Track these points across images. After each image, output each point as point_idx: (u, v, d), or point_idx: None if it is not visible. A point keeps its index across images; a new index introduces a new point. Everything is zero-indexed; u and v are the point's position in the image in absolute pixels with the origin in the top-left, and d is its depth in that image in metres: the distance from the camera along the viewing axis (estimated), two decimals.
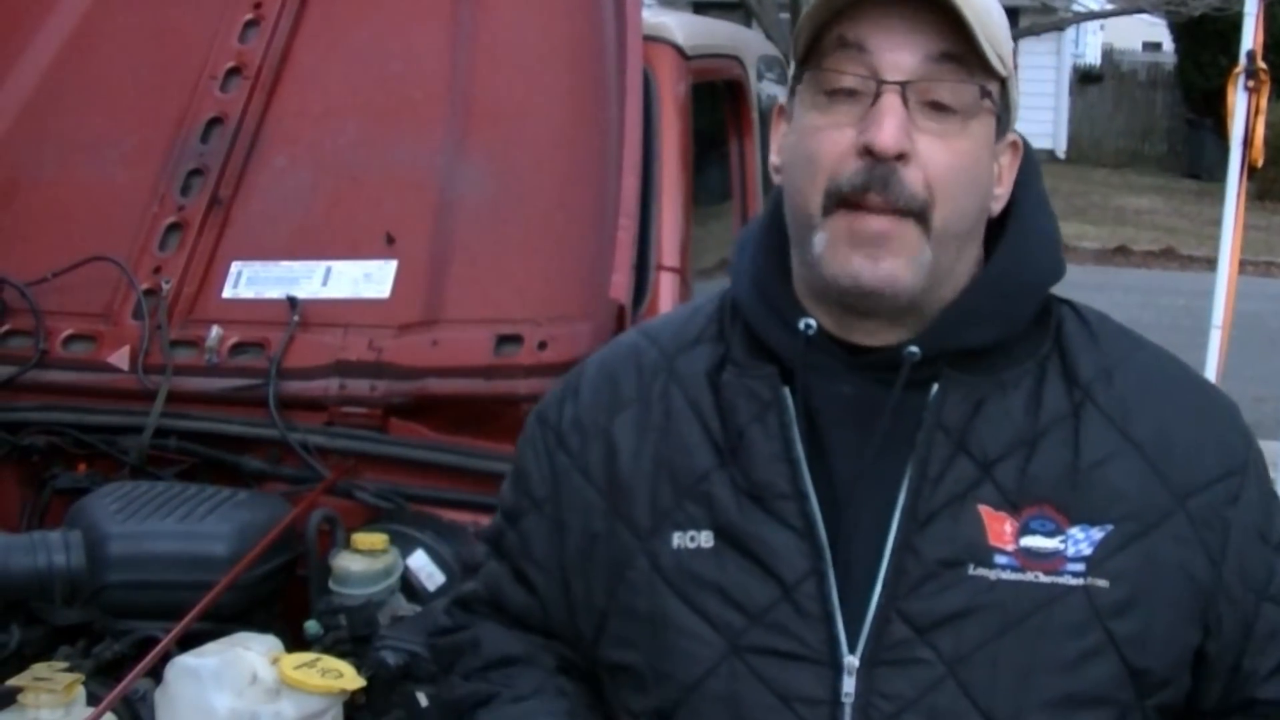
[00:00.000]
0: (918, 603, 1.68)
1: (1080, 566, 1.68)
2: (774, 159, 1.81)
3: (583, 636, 1.87)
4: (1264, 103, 7.18)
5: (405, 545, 3.03)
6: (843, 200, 1.67)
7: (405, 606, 2.93)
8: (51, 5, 3.98)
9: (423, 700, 2.66)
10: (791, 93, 1.77)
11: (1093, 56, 34.32)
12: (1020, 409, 1.73)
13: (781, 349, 1.78)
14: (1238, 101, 7.16)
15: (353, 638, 2.82)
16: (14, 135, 3.86)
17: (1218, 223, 7.58)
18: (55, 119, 3.87)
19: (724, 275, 4.46)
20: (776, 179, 1.81)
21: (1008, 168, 1.81)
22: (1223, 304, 7.13)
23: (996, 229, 1.81)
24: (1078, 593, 1.67)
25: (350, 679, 2.58)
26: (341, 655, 2.71)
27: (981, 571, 1.68)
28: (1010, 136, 1.80)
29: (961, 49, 1.67)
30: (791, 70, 1.78)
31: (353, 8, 3.85)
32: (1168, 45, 31.47)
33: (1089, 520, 1.70)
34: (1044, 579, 1.68)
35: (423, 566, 3.03)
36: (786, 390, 1.76)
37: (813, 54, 1.71)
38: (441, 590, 3.00)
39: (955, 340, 1.74)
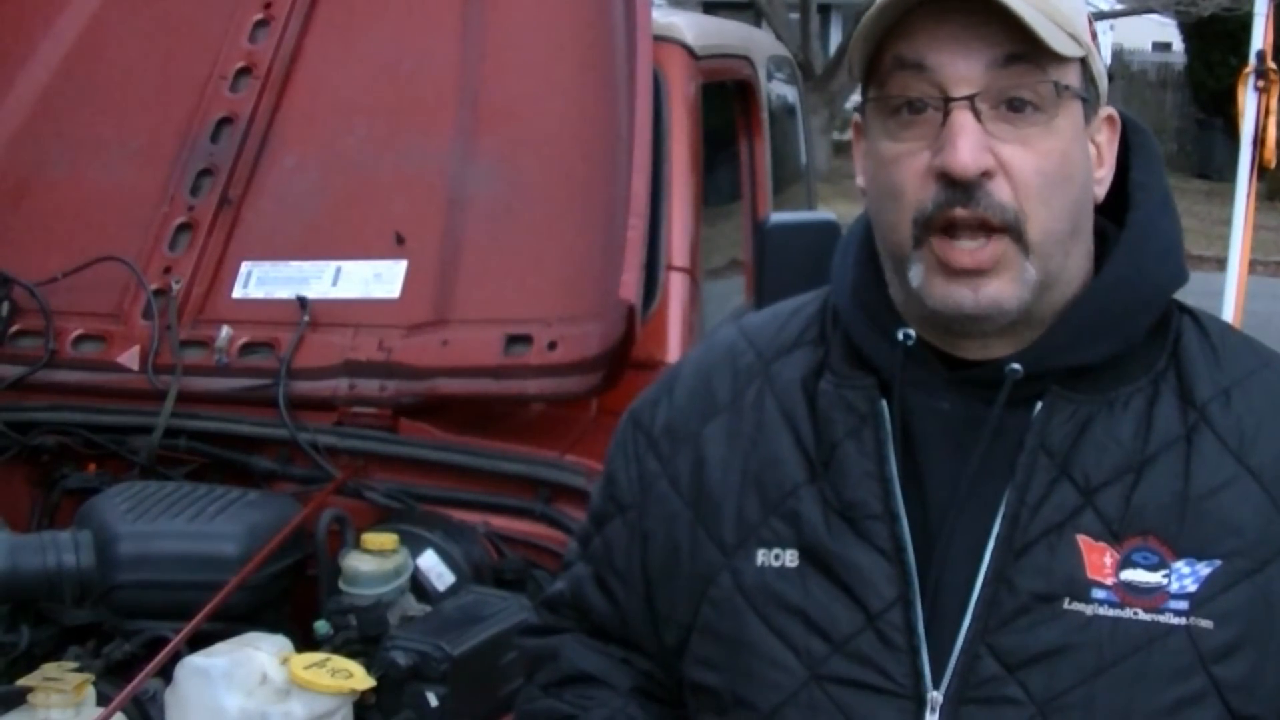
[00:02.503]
0: (1009, 638, 1.57)
1: (1183, 605, 1.56)
2: (859, 180, 1.71)
3: (667, 649, 1.79)
4: (1274, 103, 7.19)
5: (415, 545, 3.03)
6: (930, 224, 1.58)
7: (415, 606, 2.93)
8: (61, 5, 3.98)
9: (432, 700, 2.66)
10: (861, 111, 1.68)
11: (1103, 56, 34.30)
12: (1129, 432, 1.61)
13: (879, 360, 1.69)
14: (1248, 101, 7.17)
15: (362, 638, 2.82)
16: (24, 135, 3.87)
17: (1228, 222, 7.60)
18: (65, 119, 3.87)
19: (735, 275, 4.48)
20: (865, 202, 1.71)
21: (1106, 145, 1.69)
22: (1233, 304, 7.15)
23: (1110, 216, 1.71)
24: (1179, 633, 1.55)
25: (360, 679, 2.58)
26: (351, 655, 2.71)
27: (1077, 606, 1.57)
28: (1104, 112, 1.68)
29: (1028, 47, 1.55)
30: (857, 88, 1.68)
31: (363, 8, 3.85)
32: (1177, 45, 31.49)
33: (1196, 554, 1.57)
34: (1143, 616, 1.56)
35: (432, 566, 3.03)
36: (884, 404, 1.67)
37: (872, 74, 1.62)
38: (451, 590, 3.00)
39: (1063, 358, 1.63)
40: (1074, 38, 1.59)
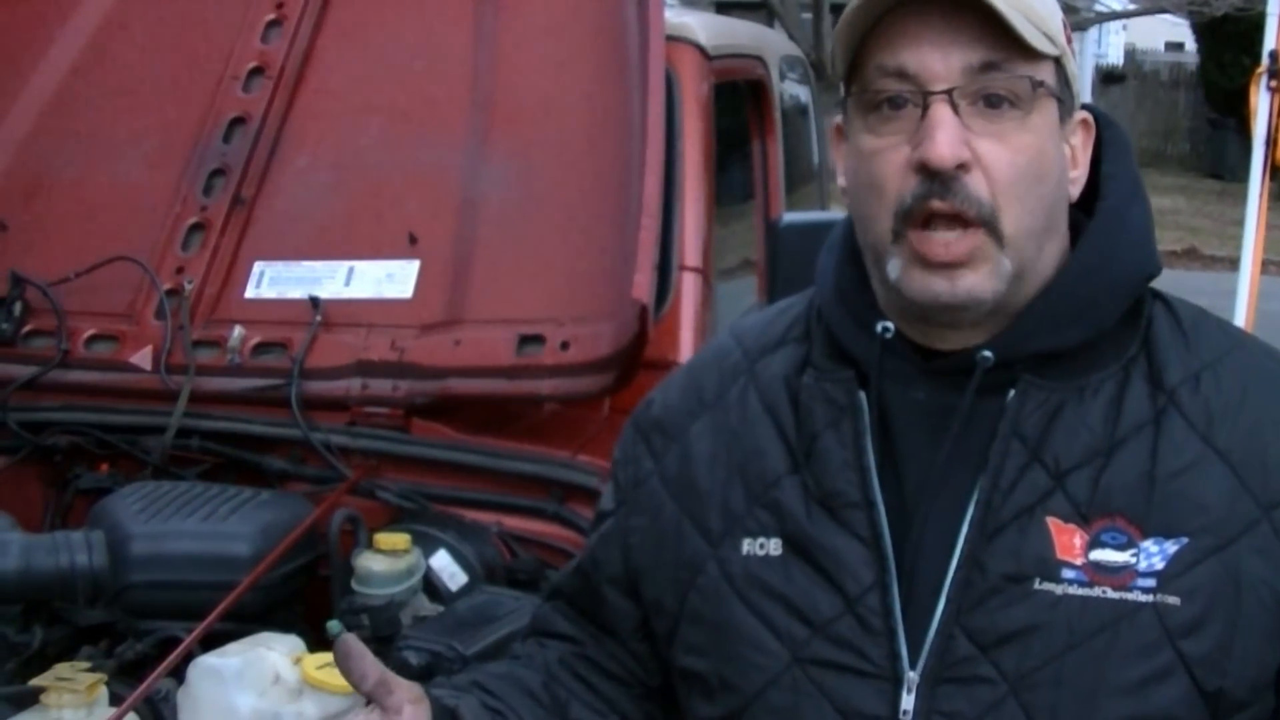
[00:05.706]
0: (981, 618, 1.62)
1: (1151, 582, 1.59)
2: (840, 181, 1.76)
3: (657, 638, 1.86)
4: None
5: (427, 545, 3.03)
6: (909, 217, 1.62)
7: (427, 606, 2.93)
8: (74, 5, 3.99)
9: None
10: (843, 111, 1.72)
11: (1115, 56, 34.30)
12: (1099, 416, 1.65)
13: (859, 353, 1.74)
14: (1260, 101, 7.16)
15: (375, 638, 2.82)
16: (37, 135, 3.87)
17: (1240, 223, 7.59)
18: (78, 119, 3.88)
19: (747, 275, 4.48)
20: (845, 201, 1.75)
21: (1080, 148, 1.73)
22: (1245, 304, 7.14)
23: (1085, 209, 1.74)
24: (1147, 610, 1.59)
25: None
26: None
27: (1047, 586, 1.61)
28: (1079, 116, 1.72)
29: (1004, 54, 1.60)
30: (841, 90, 1.72)
31: (375, 7, 3.85)
32: (1190, 45, 31.45)
33: (1163, 533, 1.60)
34: (1112, 594, 1.59)
35: (445, 566, 3.03)
36: (862, 396, 1.71)
37: (855, 74, 1.66)
38: (463, 590, 3.00)
39: (1032, 344, 1.67)
40: (1049, 38, 1.64)
